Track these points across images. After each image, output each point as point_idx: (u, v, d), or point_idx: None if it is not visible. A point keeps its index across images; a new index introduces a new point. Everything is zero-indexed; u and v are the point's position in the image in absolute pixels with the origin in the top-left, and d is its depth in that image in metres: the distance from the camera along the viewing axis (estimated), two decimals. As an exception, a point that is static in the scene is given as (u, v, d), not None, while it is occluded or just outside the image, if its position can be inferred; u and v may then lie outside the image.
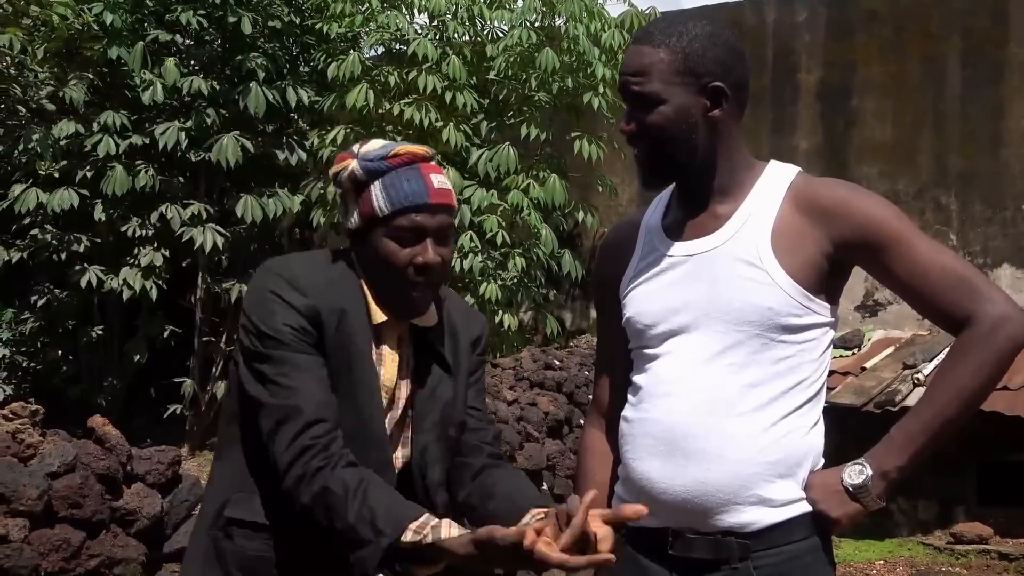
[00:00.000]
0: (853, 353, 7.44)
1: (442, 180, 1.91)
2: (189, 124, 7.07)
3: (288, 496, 1.75)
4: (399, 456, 1.94)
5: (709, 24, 1.81)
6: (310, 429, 1.75)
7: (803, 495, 1.77)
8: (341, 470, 1.73)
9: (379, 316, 1.90)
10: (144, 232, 7.16)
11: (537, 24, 7.48)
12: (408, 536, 1.64)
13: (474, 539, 1.59)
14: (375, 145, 1.94)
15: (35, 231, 7.13)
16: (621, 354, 1.96)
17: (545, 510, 1.72)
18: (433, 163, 1.94)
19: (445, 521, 1.67)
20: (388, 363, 1.92)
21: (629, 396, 1.90)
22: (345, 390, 1.83)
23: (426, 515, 1.67)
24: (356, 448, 1.80)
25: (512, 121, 7.56)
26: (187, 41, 7.46)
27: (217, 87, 7.14)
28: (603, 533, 1.60)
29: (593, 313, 8.48)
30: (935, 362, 6.48)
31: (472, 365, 2.06)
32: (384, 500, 1.69)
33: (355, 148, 1.95)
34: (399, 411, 1.94)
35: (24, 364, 7.64)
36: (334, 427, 1.78)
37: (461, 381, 2.01)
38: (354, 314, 1.87)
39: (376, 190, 1.87)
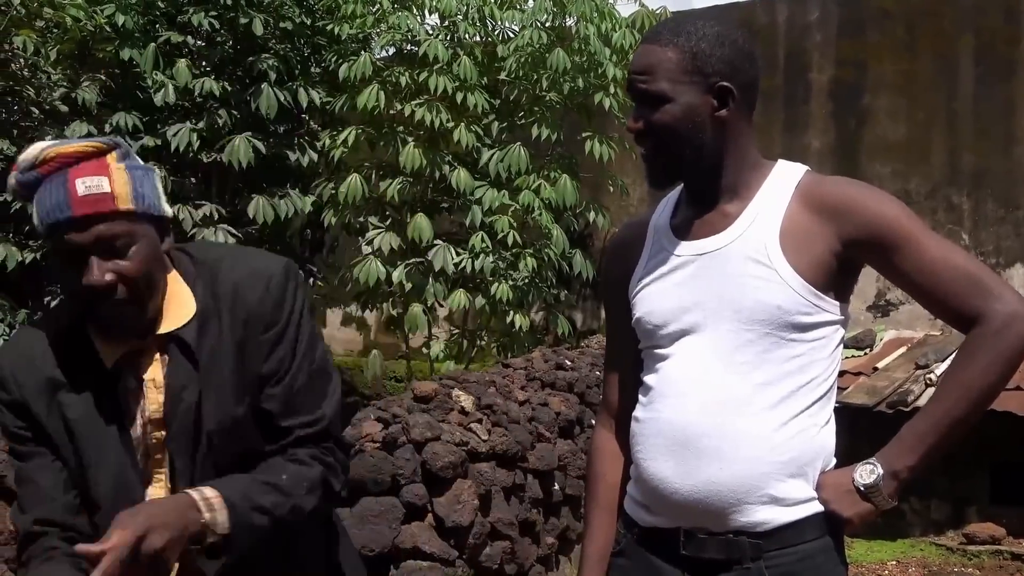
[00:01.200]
0: (865, 353, 7.42)
1: (93, 183, 1.59)
2: (201, 125, 7.08)
3: None
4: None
5: (718, 24, 1.81)
6: (27, 548, 1.72)
7: (815, 494, 1.77)
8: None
9: (109, 358, 1.70)
10: (156, 233, 7.17)
11: (548, 24, 7.47)
12: None
13: None
14: (32, 151, 1.63)
15: (48, 232, 7.16)
16: (630, 354, 1.96)
17: None
18: (101, 160, 1.64)
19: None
20: (152, 392, 1.72)
21: (640, 396, 1.90)
22: (77, 462, 1.71)
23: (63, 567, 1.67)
24: (110, 511, 1.66)
25: (523, 121, 7.56)
26: (199, 42, 7.47)
27: (229, 88, 7.15)
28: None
29: (604, 313, 8.48)
30: (947, 362, 6.44)
31: (265, 347, 1.73)
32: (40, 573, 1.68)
33: (21, 155, 1.67)
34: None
35: (37, 364, 7.67)
36: (49, 534, 1.71)
37: (225, 377, 1.71)
38: (71, 379, 1.69)
39: (34, 208, 1.62)
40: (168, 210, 1.73)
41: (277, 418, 1.76)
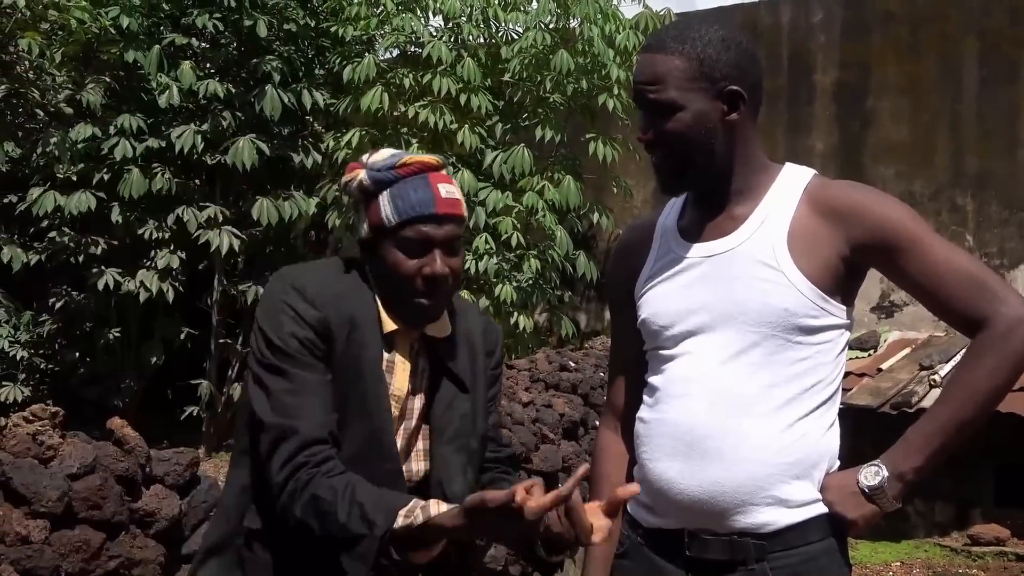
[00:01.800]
0: (869, 354, 7.42)
1: (450, 190, 1.89)
2: (205, 127, 7.10)
3: (283, 513, 1.76)
4: (413, 469, 1.92)
5: (720, 28, 1.82)
6: (306, 450, 1.75)
7: (819, 496, 1.77)
8: (328, 478, 1.73)
9: (390, 325, 1.89)
10: (161, 235, 7.20)
11: (552, 26, 7.48)
12: (399, 522, 1.64)
13: (464, 507, 1.59)
14: (384, 154, 1.92)
15: (53, 234, 7.18)
16: (635, 355, 1.97)
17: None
18: (443, 172, 1.92)
19: (434, 501, 1.67)
20: (399, 372, 1.91)
21: (645, 397, 1.91)
22: (355, 401, 1.83)
23: (415, 499, 1.68)
24: (366, 459, 1.81)
25: (527, 123, 7.57)
26: (203, 44, 7.49)
27: (233, 90, 7.17)
28: (600, 524, 1.61)
29: (608, 315, 8.46)
30: (951, 363, 6.45)
31: (489, 380, 2.05)
32: (372, 494, 1.70)
33: (364, 158, 1.94)
34: (412, 422, 1.93)
35: (42, 366, 7.69)
36: (331, 446, 1.78)
37: (480, 395, 2.00)
38: (365, 324, 1.87)
39: (384, 200, 1.87)
40: None
41: (496, 439, 2.09)
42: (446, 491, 1.89)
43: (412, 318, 1.90)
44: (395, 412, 1.89)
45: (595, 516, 1.62)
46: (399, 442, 1.90)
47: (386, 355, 1.90)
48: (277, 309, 1.84)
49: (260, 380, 1.82)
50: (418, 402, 1.94)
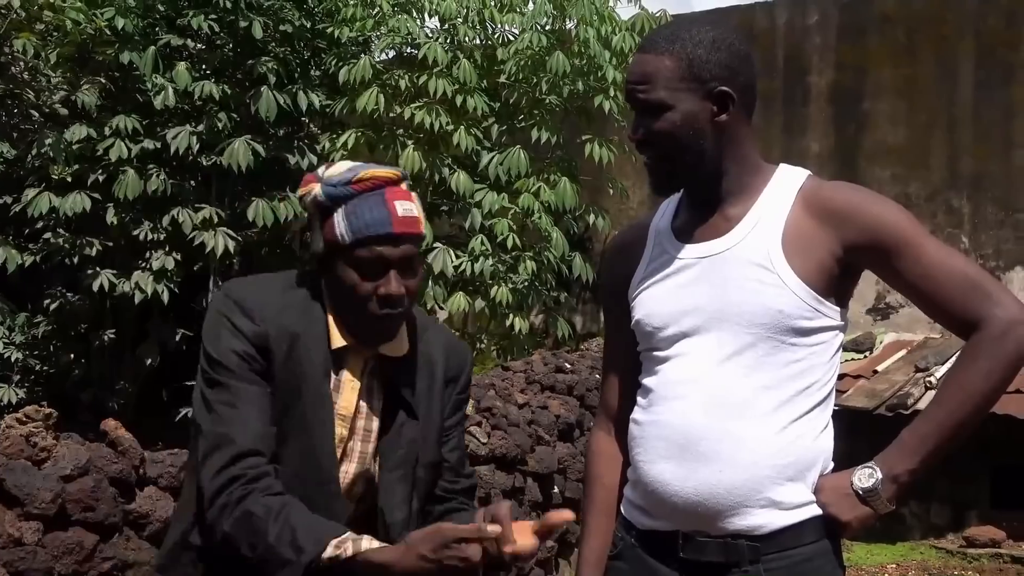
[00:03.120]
0: (865, 356, 7.43)
1: (408, 207, 1.83)
2: (201, 128, 7.09)
3: (211, 525, 1.73)
4: (358, 491, 1.90)
5: (712, 29, 1.81)
6: (241, 461, 1.73)
7: (813, 498, 1.77)
8: (265, 497, 1.70)
9: (339, 340, 1.86)
10: (156, 236, 7.18)
11: (548, 27, 7.48)
12: (328, 552, 1.62)
13: (408, 542, 1.62)
14: (340, 168, 1.86)
15: (48, 235, 7.16)
16: (629, 357, 1.96)
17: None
18: (402, 187, 1.86)
19: (367, 536, 1.66)
20: (346, 391, 1.88)
21: (639, 399, 1.90)
22: (295, 418, 1.80)
23: (349, 532, 1.66)
24: (303, 478, 1.78)
25: (523, 124, 7.57)
26: (198, 45, 7.48)
27: (228, 91, 7.15)
28: (525, 543, 1.63)
29: (603, 316, 8.47)
30: (947, 365, 6.45)
31: (452, 406, 2.00)
32: (305, 519, 1.68)
33: (321, 170, 1.88)
34: (369, 445, 1.90)
35: (36, 367, 7.67)
36: (267, 460, 1.75)
37: (434, 421, 1.95)
38: (309, 339, 1.83)
39: (339, 217, 1.81)
40: None
41: (455, 469, 2.01)
42: (387, 519, 1.86)
43: (366, 337, 1.87)
44: (342, 432, 1.85)
45: (523, 534, 1.62)
46: (353, 464, 1.88)
47: (333, 374, 1.86)
48: (217, 323, 1.82)
49: (202, 393, 1.82)
50: (374, 424, 1.90)
